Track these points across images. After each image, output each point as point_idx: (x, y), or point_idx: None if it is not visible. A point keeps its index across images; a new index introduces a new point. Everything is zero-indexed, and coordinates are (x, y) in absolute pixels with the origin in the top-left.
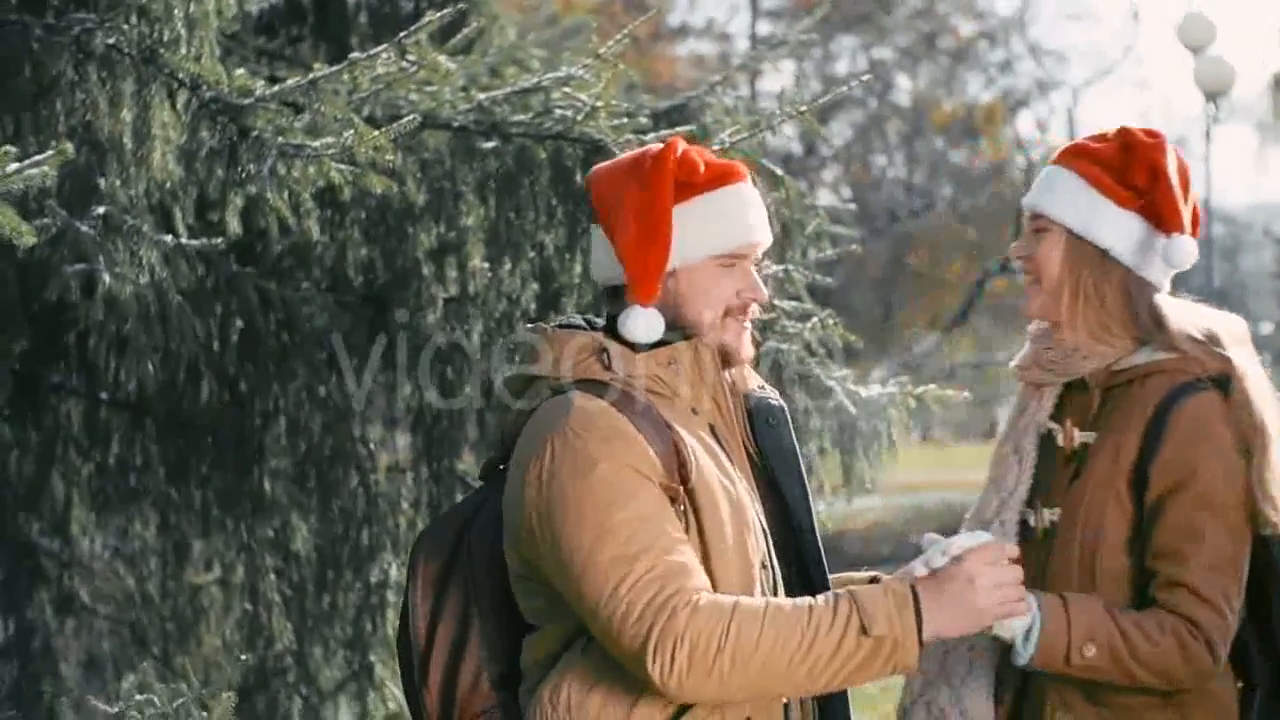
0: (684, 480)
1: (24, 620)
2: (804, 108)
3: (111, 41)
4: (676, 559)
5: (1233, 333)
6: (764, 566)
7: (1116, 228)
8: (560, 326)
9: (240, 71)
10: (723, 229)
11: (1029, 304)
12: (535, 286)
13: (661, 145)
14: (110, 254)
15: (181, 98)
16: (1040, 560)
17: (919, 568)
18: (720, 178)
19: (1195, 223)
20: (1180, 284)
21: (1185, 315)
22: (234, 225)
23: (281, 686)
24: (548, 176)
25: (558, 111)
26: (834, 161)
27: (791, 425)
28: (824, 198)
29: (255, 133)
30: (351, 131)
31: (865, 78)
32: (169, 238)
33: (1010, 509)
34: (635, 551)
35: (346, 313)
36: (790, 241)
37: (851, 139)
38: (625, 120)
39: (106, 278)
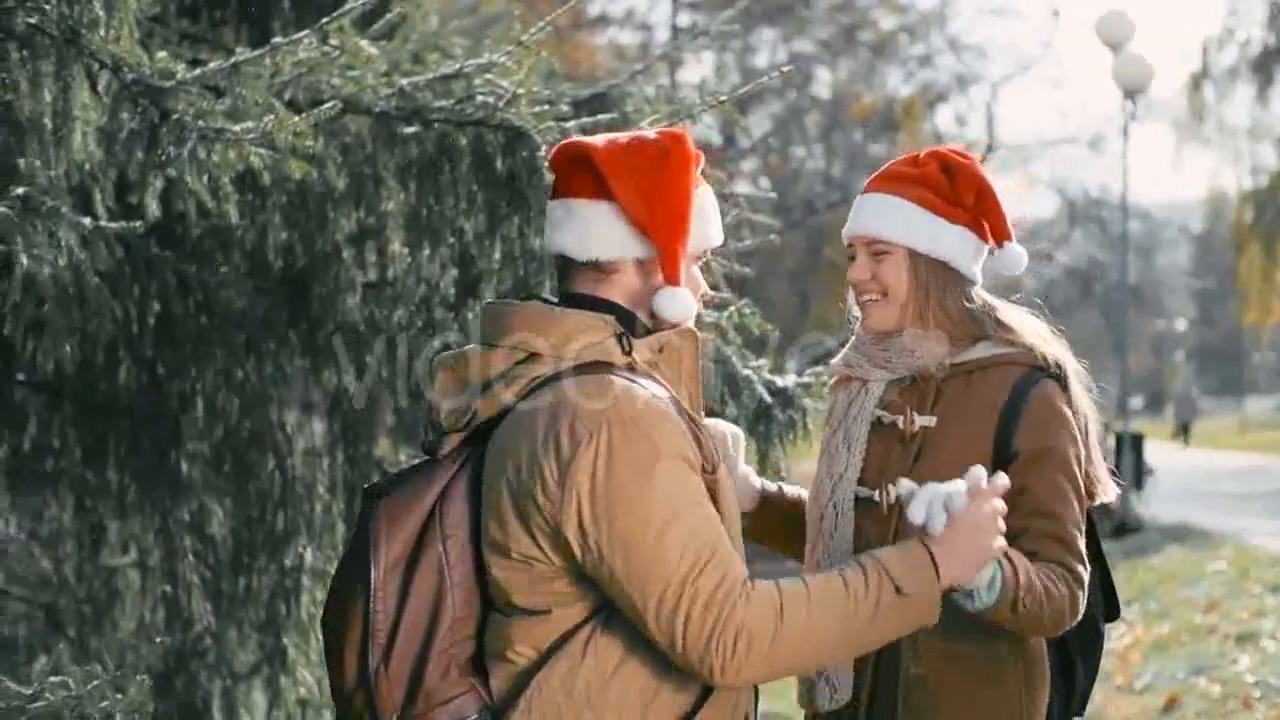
0: (707, 470)
1: None
2: (723, 97)
3: (33, 21)
4: (726, 547)
5: (1046, 331)
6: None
7: (952, 242)
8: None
9: (162, 54)
10: (708, 227)
11: (872, 318)
12: (455, 272)
13: (673, 132)
14: (28, 235)
15: (103, 79)
16: (888, 531)
17: (918, 519)
18: (701, 178)
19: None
20: (1096, 279)
21: (1017, 315)
22: (153, 208)
23: (200, 669)
24: (468, 163)
25: (479, 98)
26: (753, 153)
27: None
28: (742, 188)
29: (176, 115)
30: (272, 116)
31: (785, 69)
32: (87, 220)
33: (843, 491)
34: (700, 543)
35: (265, 296)
36: None
37: (770, 131)
38: (547, 107)
39: (24, 259)
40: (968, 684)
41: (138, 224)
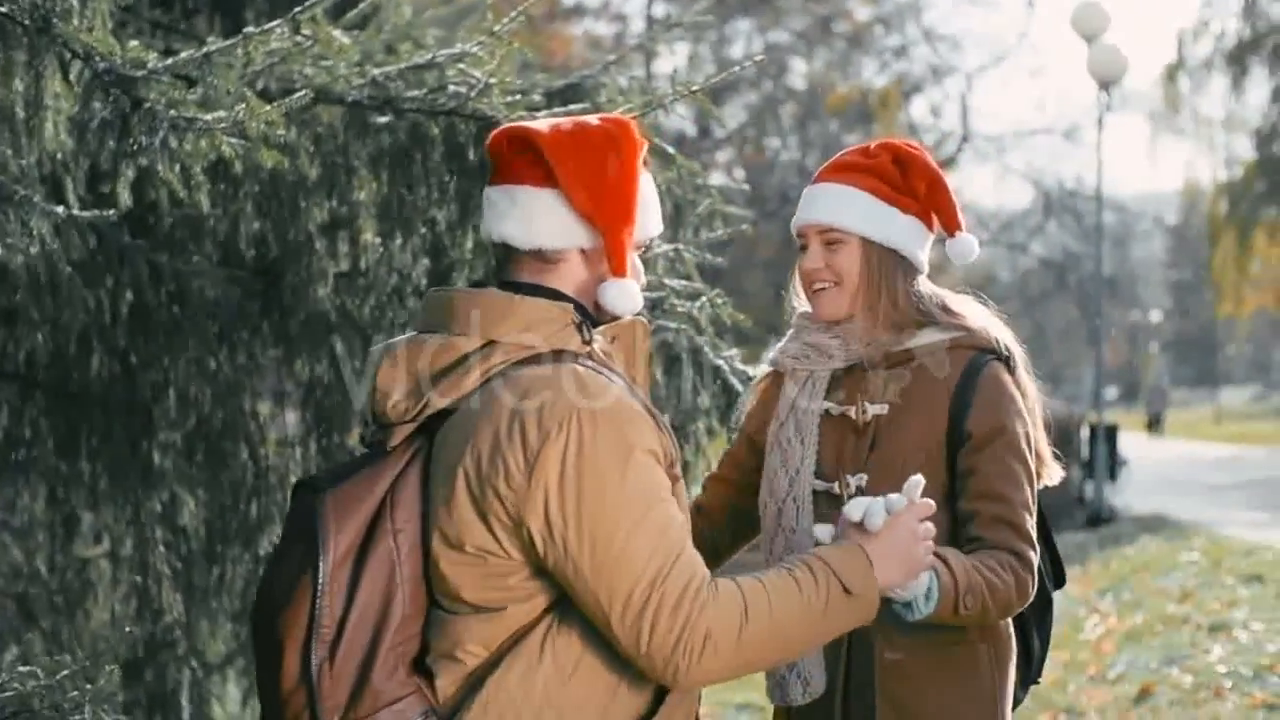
0: (669, 465)
1: None
2: (696, 87)
3: (4, 10)
4: (691, 547)
5: (991, 316)
6: None
7: (904, 232)
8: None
9: (134, 44)
10: (652, 215)
11: (824, 306)
12: (426, 261)
13: (619, 119)
14: (0, 225)
15: (75, 69)
16: None
17: (856, 516)
18: (645, 164)
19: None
20: (1071, 271)
21: (964, 302)
22: (125, 197)
23: (171, 659)
24: (440, 152)
25: (451, 88)
26: (728, 143)
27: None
28: (717, 179)
29: (147, 105)
30: (243, 105)
31: (758, 59)
32: (60, 209)
33: (800, 484)
34: (669, 542)
35: (237, 286)
36: (682, 221)
37: (746, 122)
38: (519, 98)
39: None
40: (942, 666)
41: (110, 213)
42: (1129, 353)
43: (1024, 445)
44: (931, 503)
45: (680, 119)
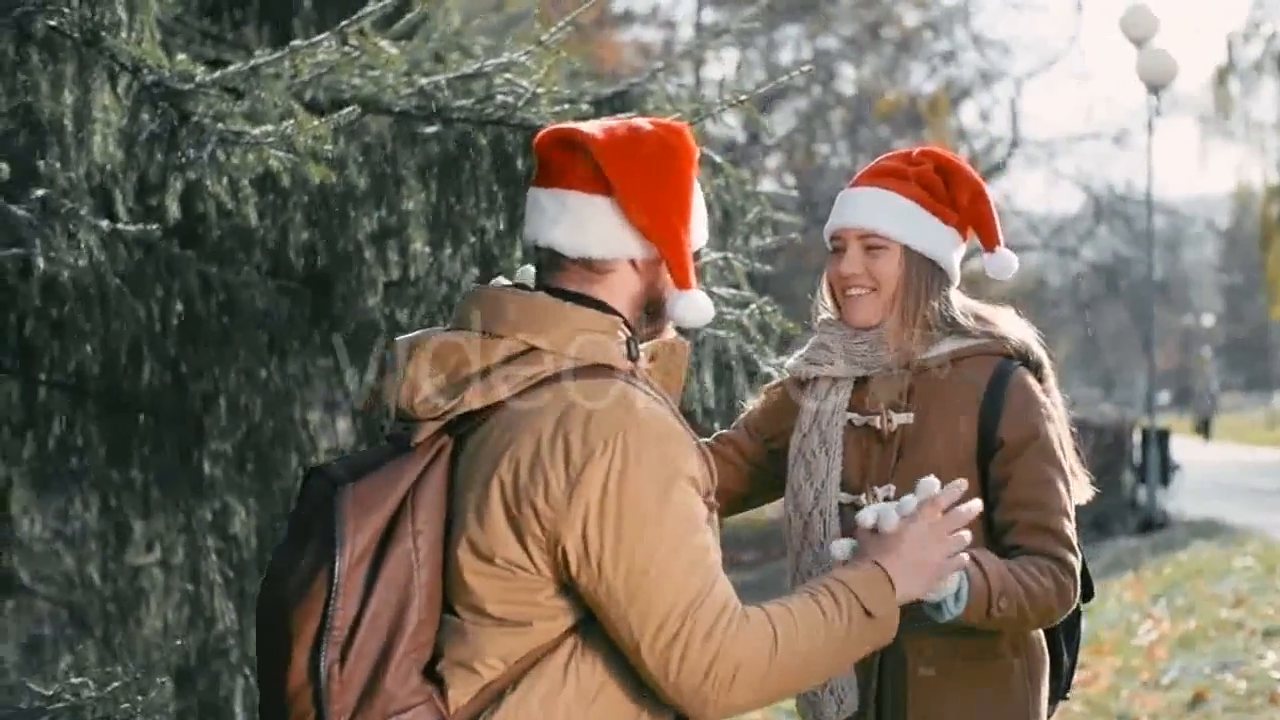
0: (707, 493)
1: None
2: (744, 96)
3: (54, 24)
4: (724, 576)
5: (1024, 326)
6: None
7: (944, 243)
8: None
9: (181, 57)
10: (702, 224)
11: (858, 312)
12: (475, 270)
13: (674, 125)
14: (47, 238)
15: (123, 81)
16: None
17: (869, 522)
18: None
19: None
20: (1122, 275)
21: (996, 311)
22: (174, 209)
23: (223, 667)
24: (489, 162)
25: (499, 98)
26: (777, 149)
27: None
28: (767, 185)
29: (195, 118)
30: (291, 121)
31: (805, 68)
32: (105, 223)
33: (827, 496)
34: (704, 570)
35: (287, 296)
36: (731, 229)
37: (795, 128)
38: (566, 107)
39: (41, 262)
40: (974, 681)
41: (155, 227)
42: (1182, 357)
43: (1057, 450)
44: (962, 484)
45: (728, 126)
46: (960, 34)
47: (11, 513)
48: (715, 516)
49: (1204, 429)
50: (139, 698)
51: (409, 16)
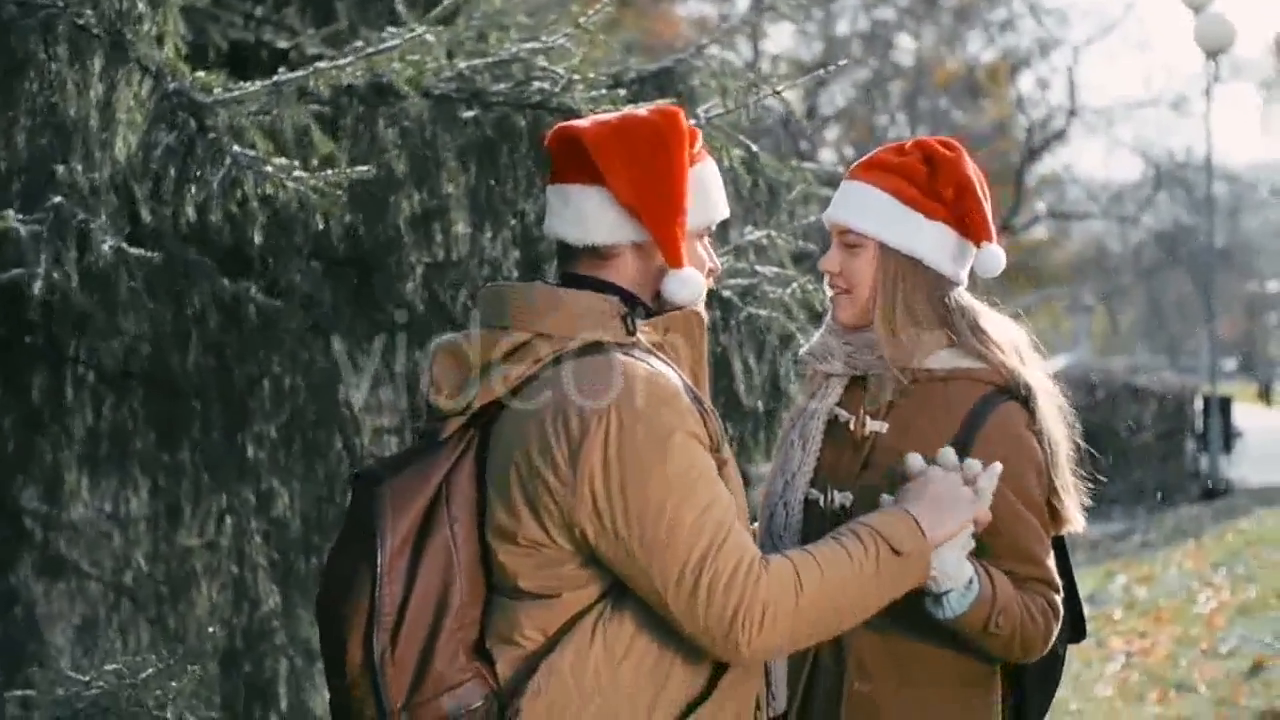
0: (715, 449)
1: (6, 584)
2: (781, 87)
3: (80, 22)
4: (739, 525)
5: (1026, 345)
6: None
7: (928, 239)
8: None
9: (200, 74)
10: (711, 202)
11: (838, 311)
12: (516, 253)
13: (665, 110)
14: (57, 250)
15: (146, 85)
16: None
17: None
18: (703, 152)
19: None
20: (1183, 243)
21: (997, 324)
22: (191, 215)
23: (269, 650)
24: (527, 145)
25: (536, 84)
26: (835, 121)
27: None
28: (826, 157)
29: (212, 135)
30: (298, 168)
31: (842, 64)
32: (109, 242)
33: (794, 490)
34: (717, 519)
35: (330, 279)
36: (776, 206)
37: (854, 98)
38: (604, 92)
39: (39, 285)
40: (912, 708)
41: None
42: (1247, 323)
43: (1035, 493)
44: (977, 465)
45: (781, 102)
46: (1017, 2)
47: (63, 496)
48: (730, 470)
49: (1265, 394)
50: (171, 684)
51: (445, 4)
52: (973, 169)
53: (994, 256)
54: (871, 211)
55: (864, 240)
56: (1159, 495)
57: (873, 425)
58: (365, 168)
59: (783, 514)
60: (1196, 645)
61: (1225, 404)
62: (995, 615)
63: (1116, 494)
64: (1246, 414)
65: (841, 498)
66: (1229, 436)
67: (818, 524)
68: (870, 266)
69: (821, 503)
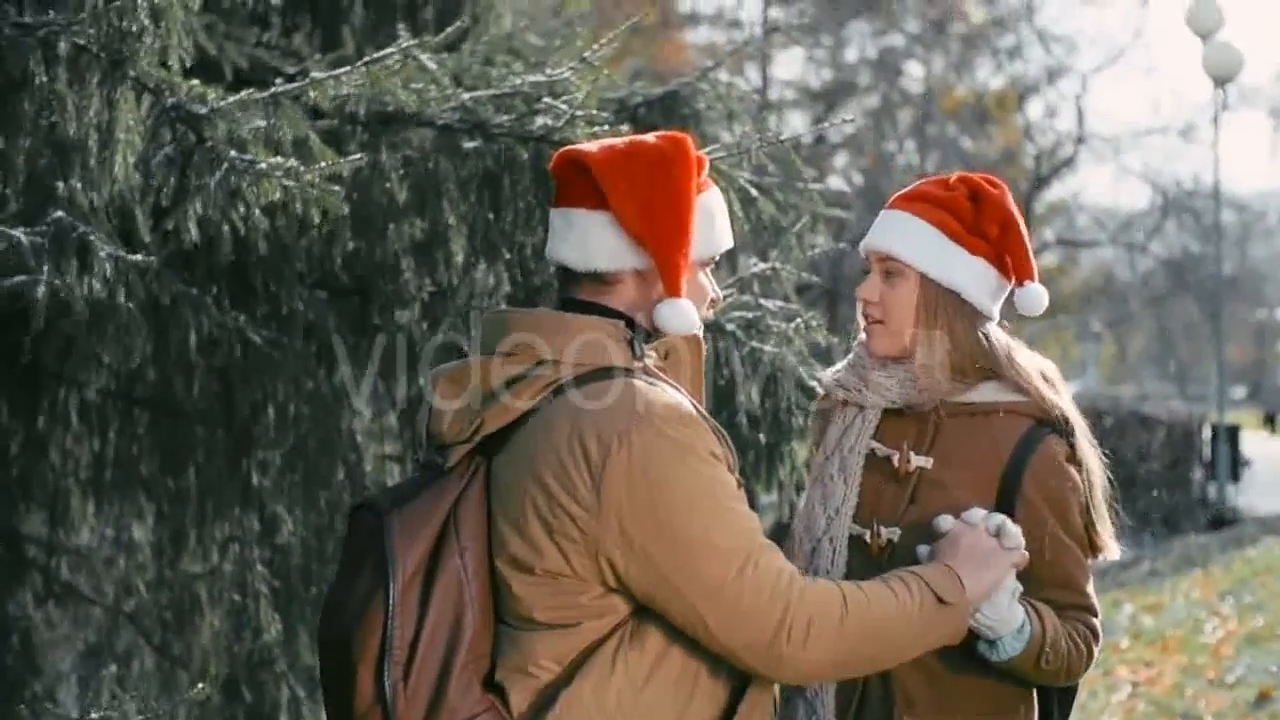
0: (731, 470)
1: (5, 612)
2: (783, 138)
3: (81, 42)
4: (769, 542)
5: (1057, 376)
6: None
7: (970, 274)
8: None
9: (194, 82)
10: (716, 231)
11: (873, 342)
12: (508, 287)
13: (673, 137)
14: (60, 264)
15: (145, 102)
16: (878, 572)
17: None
18: (709, 180)
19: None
20: (1191, 271)
21: (1030, 359)
22: (194, 232)
23: (270, 677)
24: (529, 178)
25: (539, 120)
26: (844, 148)
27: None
28: (835, 184)
29: (209, 143)
30: (295, 162)
31: (849, 120)
32: (105, 251)
33: (838, 526)
34: (748, 536)
35: (332, 305)
36: (780, 238)
37: (862, 125)
38: (606, 127)
39: (40, 292)
40: None
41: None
42: (1256, 352)
43: (1078, 523)
44: (999, 520)
45: (791, 127)
46: (1026, 29)
47: (69, 521)
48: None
49: (1270, 422)
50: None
51: (448, 32)
52: (1014, 207)
53: (1037, 295)
54: (915, 242)
55: (905, 270)
56: (1166, 523)
57: (917, 460)
58: (358, 156)
59: (828, 549)
60: (1203, 675)
61: (1233, 432)
62: (1045, 652)
63: (1123, 522)
64: (1254, 442)
65: (889, 533)
66: (1237, 465)
67: (863, 560)
68: (911, 297)
69: (867, 538)
